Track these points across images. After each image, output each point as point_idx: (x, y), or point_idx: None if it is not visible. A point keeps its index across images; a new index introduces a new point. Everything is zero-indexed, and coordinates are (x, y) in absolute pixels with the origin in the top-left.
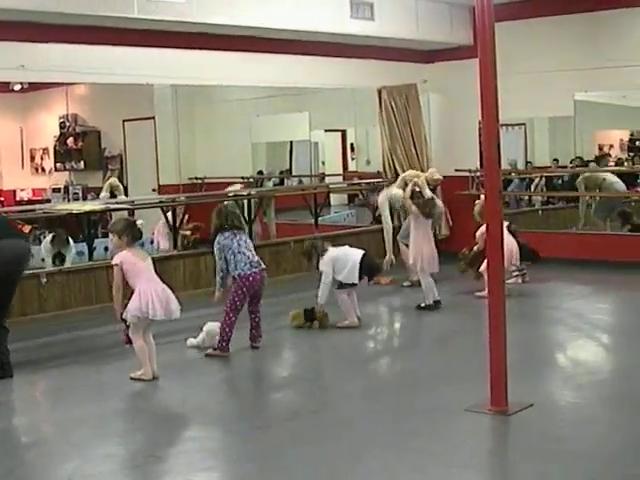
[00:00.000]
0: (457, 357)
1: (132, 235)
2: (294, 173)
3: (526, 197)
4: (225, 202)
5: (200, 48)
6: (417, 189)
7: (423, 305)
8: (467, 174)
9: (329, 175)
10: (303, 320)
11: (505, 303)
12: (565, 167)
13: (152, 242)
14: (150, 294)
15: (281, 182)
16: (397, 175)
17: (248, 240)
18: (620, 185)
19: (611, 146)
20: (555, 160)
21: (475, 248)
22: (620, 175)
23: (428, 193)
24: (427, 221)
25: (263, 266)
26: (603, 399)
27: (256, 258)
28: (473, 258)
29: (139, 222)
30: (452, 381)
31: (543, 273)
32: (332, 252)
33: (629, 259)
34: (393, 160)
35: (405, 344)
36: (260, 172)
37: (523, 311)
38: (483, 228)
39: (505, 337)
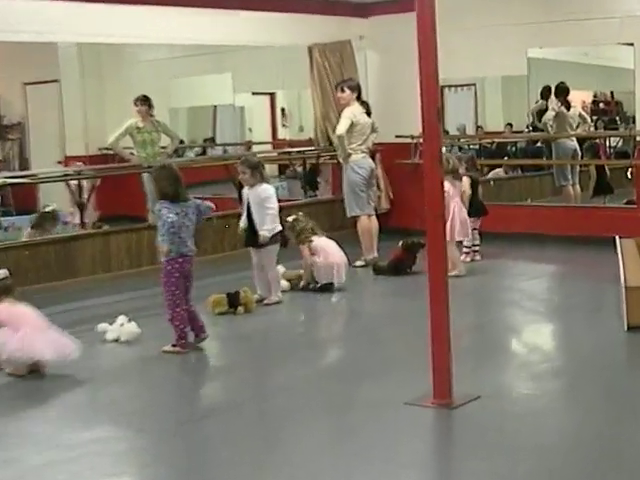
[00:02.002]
0: (398, 344)
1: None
2: (218, 141)
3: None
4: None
5: (108, 1)
6: None
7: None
8: (409, 140)
9: (257, 143)
10: (226, 306)
11: (447, 282)
12: (521, 132)
13: (66, 222)
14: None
15: (204, 152)
16: (330, 143)
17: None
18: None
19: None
20: (509, 125)
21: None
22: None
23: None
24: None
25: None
26: (558, 389)
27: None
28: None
29: (50, 207)
30: (392, 372)
31: (493, 249)
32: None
33: (587, 233)
34: (326, 126)
35: (342, 330)
36: (181, 141)
37: (471, 292)
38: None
39: (448, 321)
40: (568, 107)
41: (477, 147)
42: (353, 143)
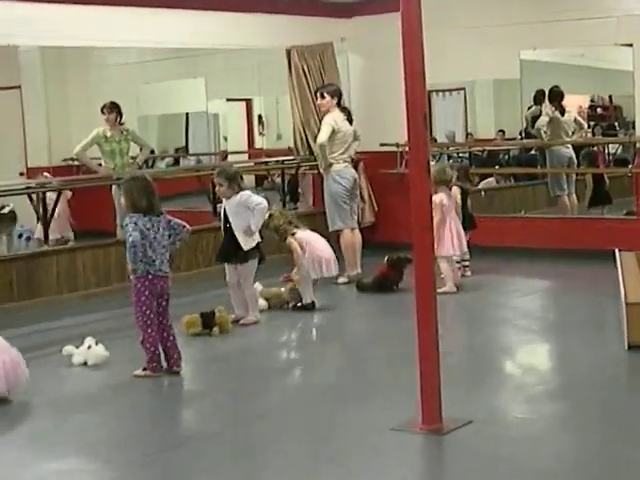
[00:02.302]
0: (384, 366)
1: None
2: (191, 151)
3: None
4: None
5: (71, 2)
6: None
7: (300, 305)
8: (394, 149)
9: (232, 153)
10: (201, 327)
11: (436, 300)
12: (513, 139)
13: (29, 238)
14: None
15: (176, 162)
16: (311, 152)
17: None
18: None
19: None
20: (501, 131)
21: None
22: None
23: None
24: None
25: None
26: (555, 412)
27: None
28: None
29: (7, 208)
30: (377, 395)
31: (484, 264)
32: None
33: (585, 247)
34: (306, 134)
35: (324, 352)
36: (151, 151)
37: (462, 309)
38: (436, 197)
39: (437, 341)
40: (563, 112)
41: (467, 155)
42: (335, 152)
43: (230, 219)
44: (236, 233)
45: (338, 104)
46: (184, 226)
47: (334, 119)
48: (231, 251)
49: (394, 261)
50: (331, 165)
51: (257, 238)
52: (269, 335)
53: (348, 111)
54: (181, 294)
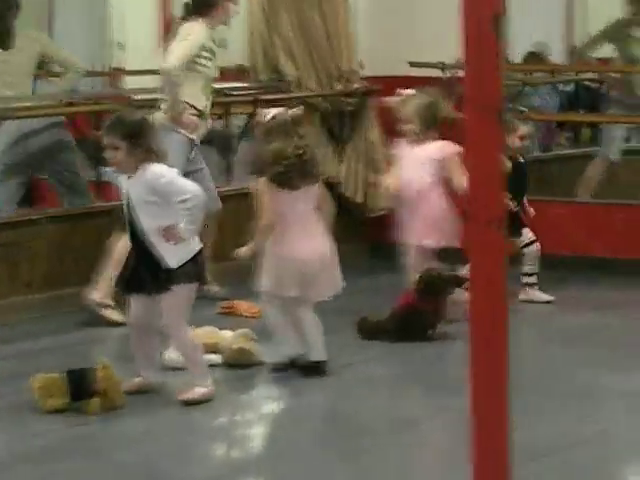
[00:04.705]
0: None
1: None
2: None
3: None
4: None
5: None
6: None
7: (274, 364)
8: (436, 73)
9: (132, 73)
10: (66, 397)
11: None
12: None
13: None
14: None
15: None
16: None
17: None
18: None
19: None
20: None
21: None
22: None
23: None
24: (291, 195)
25: None
26: None
27: None
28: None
29: None
30: None
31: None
32: None
33: None
34: (273, 42)
35: (302, 462)
36: None
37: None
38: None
39: (508, 432)
40: None
41: (570, 88)
42: None
43: (137, 212)
44: (150, 238)
45: None
46: None
47: None
48: (143, 271)
49: (429, 282)
50: None
51: (195, 244)
52: (208, 435)
53: None
54: (29, 332)
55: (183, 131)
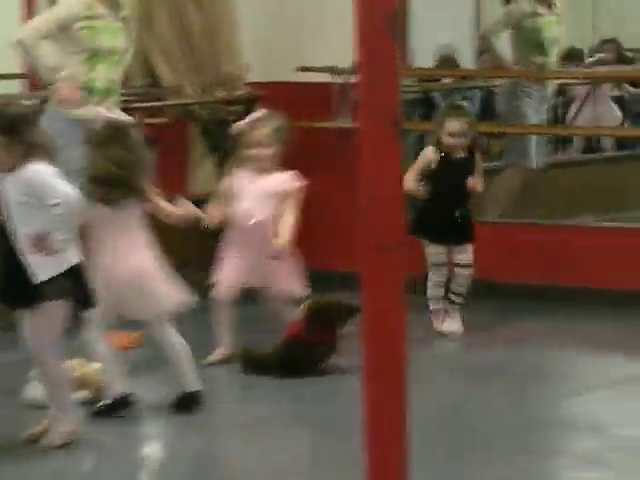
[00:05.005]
0: None
1: None
2: None
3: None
4: None
5: None
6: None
7: (103, 404)
8: (328, 79)
9: None
10: None
11: (405, 391)
12: None
13: None
14: None
15: None
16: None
17: None
18: None
19: None
20: (571, 52)
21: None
22: None
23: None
24: (110, 214)
25: None
26: None
27: None
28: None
29: None
30: None
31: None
32: None
33: None
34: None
35: None
36: None
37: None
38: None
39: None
40: None
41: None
42: None
43: (11, 214)
44: (22, 245)
45: None
46: None
47: None
48: (12, 282)
49: (318, 310)
50: None
51: (71, 256)
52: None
53: None
54: None
55: (64, 110)
